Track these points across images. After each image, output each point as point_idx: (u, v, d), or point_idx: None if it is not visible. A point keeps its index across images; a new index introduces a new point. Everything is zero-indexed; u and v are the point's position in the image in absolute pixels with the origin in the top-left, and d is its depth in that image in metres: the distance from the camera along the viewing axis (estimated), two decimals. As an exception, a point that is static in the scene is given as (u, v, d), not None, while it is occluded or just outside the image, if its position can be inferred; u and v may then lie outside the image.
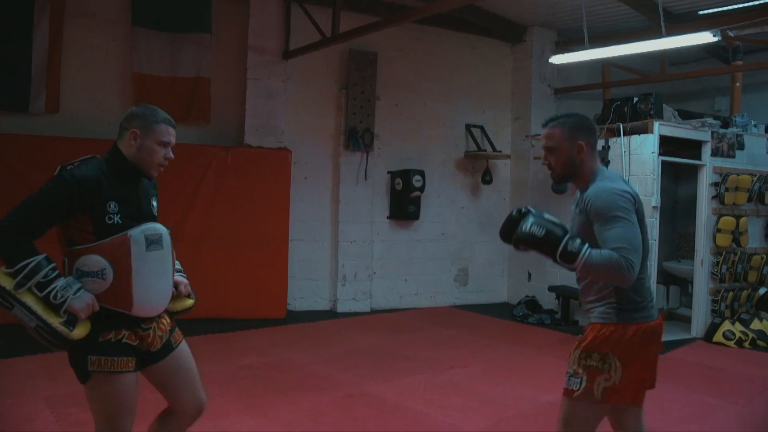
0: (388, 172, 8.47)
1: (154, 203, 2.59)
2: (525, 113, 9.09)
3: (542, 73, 9.08)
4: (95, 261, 2.31)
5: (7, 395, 4.41)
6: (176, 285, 2.66)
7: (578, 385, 2.45)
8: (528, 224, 2.42)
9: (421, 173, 8.28)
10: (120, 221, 2.36)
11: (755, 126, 7.87)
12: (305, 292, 8.07)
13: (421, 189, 8.28)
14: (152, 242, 2.43)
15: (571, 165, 2.52)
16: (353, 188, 8.16)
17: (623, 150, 7.04)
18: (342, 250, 8.14)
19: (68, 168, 2.40)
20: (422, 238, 8.75)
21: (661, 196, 6.93)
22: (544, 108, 9.05)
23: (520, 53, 9.27)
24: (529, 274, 8.85)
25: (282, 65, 7.80)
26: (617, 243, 2.29)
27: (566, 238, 2.35)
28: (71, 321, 2.22)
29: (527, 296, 8.47)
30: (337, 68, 8.19)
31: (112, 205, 2.36)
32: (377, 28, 6.64)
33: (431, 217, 8.78)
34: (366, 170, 8.16)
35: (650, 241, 6.73)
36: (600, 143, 7.31)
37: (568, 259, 2.34)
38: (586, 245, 2.33)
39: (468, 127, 9.05)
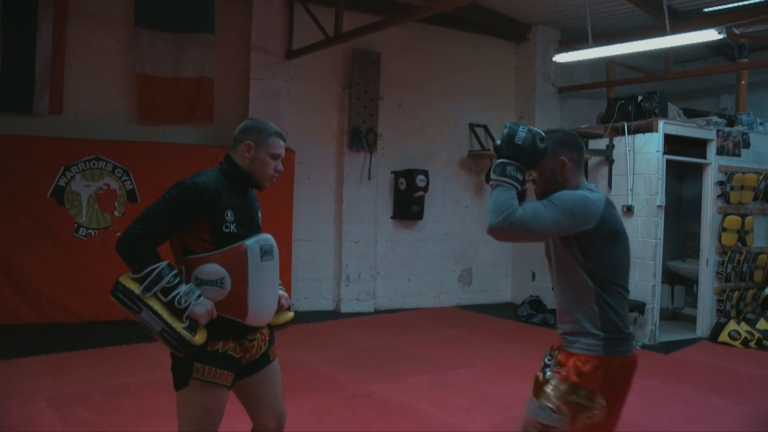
0: (392, 172, 8.45)
1: (259, 214, 2.65)
2: (529, 112, 9.07)
3: (546, 72, 9.06)
4: (214, 269, 2.36)
5: (11, 395, 4.41)
6: (279, 298, 2.66)
7: (560, 423, 2.26)
8: (526, 132, 2.30)
9: (425, 173, 8.27)
10: (235, 230, 2.41)
11: (761, 124, 7.83)
12: (309, 292, 8.06)
13: (425, 189, 8.27)
14: (266, 252, 2.47)
15: (553, 181, 2.42)
16: (357, 188, 8.14)
17: (627, 149, 7.02)
18: (345, 251, 8.13)
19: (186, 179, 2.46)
20: (426, 238, 8.73)
21: (665, 195, 6.90)
22: (548, 107, 9.05)
23: (523, 52, 9.25)
24: (533, 274, 8.83)
25: (285, 65, 7.80)
26: (530, 208, 2.22)
27: (510, 163, 2.26)
28: (193, 327, 2.28)
29: (531, 296, 8.44)
30: (341, 68, 8.17)
31: (230, 214, 2.41)
32: (380, 27, 6.63)
33: (435, 216, 8.76)
34: (369, 170, 8.15)
35: (655, 241, 6.70)
36: (604, 142, 7.29)
37: (498, 173, 2.27)
38: (513, 182, 2.25)
39: (471, 126, 9.03)
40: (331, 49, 7.51)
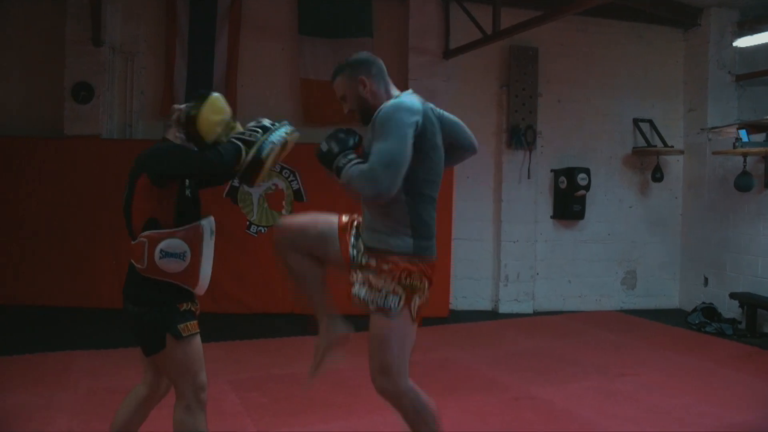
0: (552, 171, 8.23)
1: None
2: (701, 104, 8.40)
3: (721, 59, 8.30)
4: (179, 244, 2.77)
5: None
6: None
7: (396, 304, 2.52)
8: (322, 142, 2.59)
9: (586, 171, 7.96)
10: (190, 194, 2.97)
11: None
12: (467, 291, 8.04)
13: (587, 187, 7.96)
14: (213, 232, 3.00)
15: (362, 102, 2.66)
16: (516, 187, 8.00)
17: (823, 141, 6.30)
18: (504, 250, 8.02)
19: None
20: (587, 238, 8.40)
21: None
22: (723, 97, 8.29)
23: (693, 39, 8.57)
24: (706, 279, 8.17)
25: (442, 65, 7.83)
26: (374, 156, 2.36)
27: (341, 154, 2.48)
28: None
29: (704, 303, 7.81)
30: (498, 65, 8.08)
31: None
32: (539, 23, 6.47)
33: (597, 216, 8.40)
34: (529, 169, 7.97)
35: None
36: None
37: (338, 174, 2.46)
38: (353, 161, 2.43)
39: (635, 121, 8.56)
40: (488, 46, 7.42)
